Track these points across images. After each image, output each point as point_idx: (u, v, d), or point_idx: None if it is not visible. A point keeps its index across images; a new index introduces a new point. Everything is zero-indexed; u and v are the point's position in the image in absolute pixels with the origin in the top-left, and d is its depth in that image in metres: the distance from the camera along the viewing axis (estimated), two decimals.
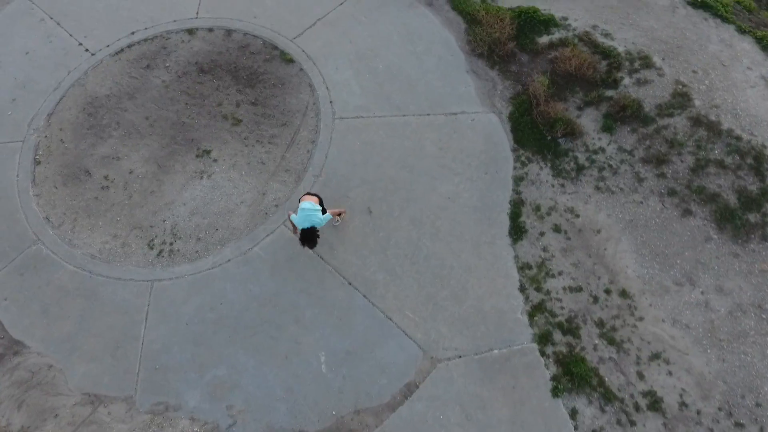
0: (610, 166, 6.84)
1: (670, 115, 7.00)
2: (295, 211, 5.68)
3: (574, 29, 7.96)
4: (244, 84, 7.73)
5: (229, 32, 8.21)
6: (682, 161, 6.71)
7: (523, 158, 7.02)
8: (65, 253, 6.48)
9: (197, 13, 8.40)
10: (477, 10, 8.16)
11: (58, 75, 7.84)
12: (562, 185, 6.80)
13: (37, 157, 7.19)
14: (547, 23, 8.02)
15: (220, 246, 6.49)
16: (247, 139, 7.26)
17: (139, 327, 6.03)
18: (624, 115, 7.07)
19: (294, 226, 5.96)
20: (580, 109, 7.29)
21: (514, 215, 6.60)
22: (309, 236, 5.50)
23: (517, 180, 6.85)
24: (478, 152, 7.07)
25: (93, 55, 8.00)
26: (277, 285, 6.22)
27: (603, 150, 6.95)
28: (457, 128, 7.26)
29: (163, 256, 6.45)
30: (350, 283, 6.19)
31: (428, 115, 7.37)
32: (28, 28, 8.36)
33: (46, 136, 7.36)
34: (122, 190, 6.91)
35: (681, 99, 7.07)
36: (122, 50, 8.05)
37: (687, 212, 6.42)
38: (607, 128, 7.07)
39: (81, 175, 7.06)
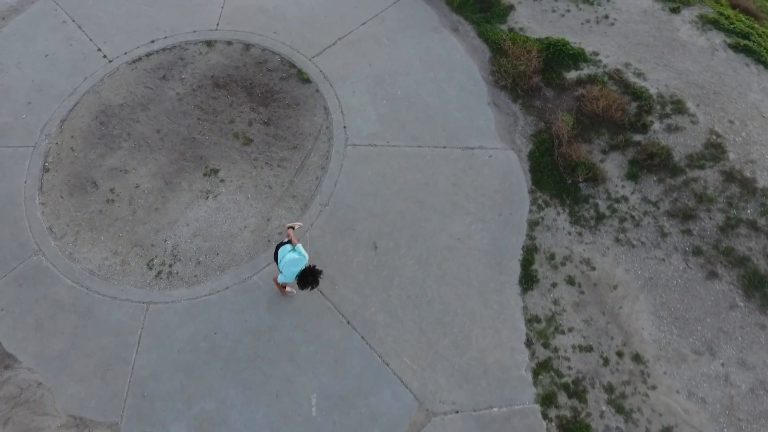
0: (633, 217, 6.46)
1: (701, 167, 6.59)
2: (281, 271, 5.45)
3: (605, 66, 7.58)
4: (258, 102, 7.56)
5: (247, 46, 8.06)
6: (710, 218, 6.30)
7: (540, 201, 6.69)
8: (64, 267, 6.40)
9: (217, 24, 8.27)
10: (503, 39, 7.84)
11: (75, 80, 7.79)
12: (580, 234, 6.45)
13: (47, 164, 7.14)
14: (577, 58, 7.66)
15: (220, 272, 6.33)
16: (256, 160, 7.09)
17: (130, 350, 5.90)
18: (651, 163, 6.68)
19: (282, 287, 5.83)
20: (604, 152, 6.93)
21: (526, 262, 6.28)
22: (309, 277, 5.24)
23: (532, 224, 6.53)
24: (492, 191, 6.76)
25: (110, 62, 7.93)
26: (273, 318, 6.03)
27: (626, 199, 6.57)
28: (473, 164, 6.96)
29: (161, 278, 6.31)
30: (349, 323, 5.96)
31: (444, 147, 7.09)
32: (49, 30, 8.34)
33: (57, 143, 7.31)
34: (127, 205, 6.81)
35: (714, 150, 6.66)
36: (140, 59, 7.96)
37: (712, 275, 6.01)
38: (632, 176, 6.69)
39: (88, 186, 6.98)
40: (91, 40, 8.16)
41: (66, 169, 7.11)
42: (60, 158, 7.20)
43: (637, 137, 6.92)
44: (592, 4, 8.26)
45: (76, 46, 8.12)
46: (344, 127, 7.27)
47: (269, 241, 6.51)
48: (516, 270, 6.25)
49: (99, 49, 8.05)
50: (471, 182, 6.83)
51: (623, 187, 6.67)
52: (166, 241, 6.55)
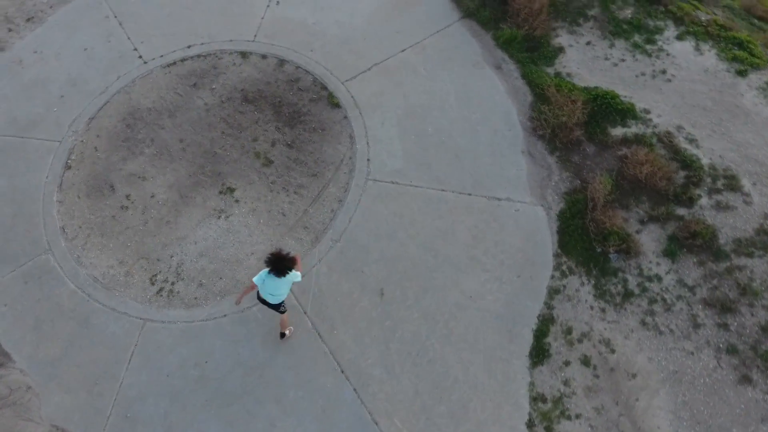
0: (664, 300, 5.93)
1: (750, 255, 5.98)
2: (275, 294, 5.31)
3: (655, 126, 7.02)
4: (284, 122, 7.37)
5: (281, 62, 7.87)
6: (752, 315, 5.70)
7: (564, 267, 6.23)
8: (70, 270, 6.37)
9: (255, 36, 8.12)
10: (548, 84, 7.37)
11: (108, 78, 7.79)
12: (603, 310, 5.97)
13: (69, 161, 7.15)
14: (625, 114, 7.12)
15: (220, 297, 6.16)
16: (273, 183, 6.89)
17: (121, 367, 5.80)
18: (693, 242, 6.11)
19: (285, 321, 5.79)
20: (642, 223, 6.39)
21: (540, 334, 5.85)
22: (276, 263, 4.97)
23: (552, 292, 6.08)
24: (514, 249, 6.35)
25: (145, 63, 7.90)
26: (267, 355, 5.82)
27: (659, 279, 6.04)
28: (497, 217, 6.56)
29: (161, 295, 6.20)
30: (343, 372, 5.69)
31: (469, 195, 6.71)
32: (92, 24, 8.39)
33: (82, 141, 7.32)
34: (140, 214, 6.74)
35: (767, 238, 6.03)
36: (174, 63, 7.89)
37: (745, 379, 5.43)
38: (669, 253, 6.15)
39: (105, 189, 6.95)
40: (129, 38, 8.16)
41: (87, 169, 7.11)
42: (83, 157, 7.20)
43: (681, 211, 6.36)
44: (650, 55, 7.68)
45: (114, 43, 8.13)
46: (368, 159, 6.99)
47: None
48: (528, 340, 5.83)
49: (135, 49, 8.04)
50: (492, 236, 6.43)
51: (658, 264, 6.13)
52: (172, 257, 6.44)
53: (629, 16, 8.11)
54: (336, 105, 7.47)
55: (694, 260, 6.10)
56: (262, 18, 8.33)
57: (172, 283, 6.27)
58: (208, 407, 5.60)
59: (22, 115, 7.52)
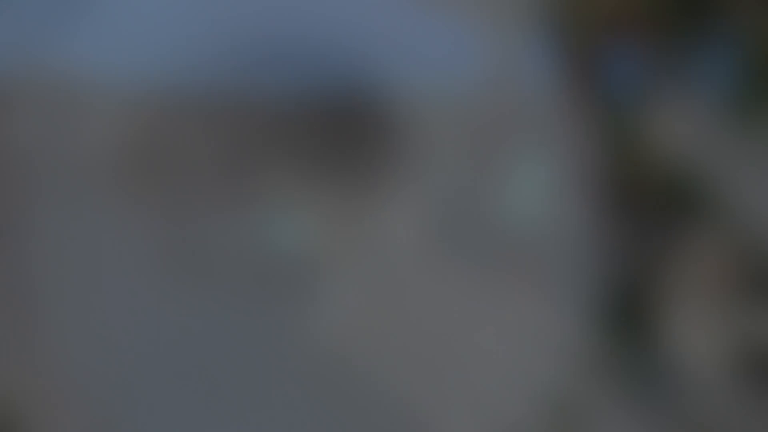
0: (705, 421, 5.09)
1: None
2: None
3: (741, 226, 6.13)
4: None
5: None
6: None
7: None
8: None
9: None
10: (626, 141, 6.63)
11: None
12: (630, 415, 5.20)
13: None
14: (708, 203, 6.26)
15: None
16: None
17: None
18: (755, 364, 5.23)
19: None
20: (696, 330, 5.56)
21: (544, 416, 5.15)
22: None
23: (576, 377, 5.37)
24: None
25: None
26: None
27: (705, 395, 5.20)
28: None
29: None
30: None
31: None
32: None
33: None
34: None
35: None
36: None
37: None
38: (723, 368, 5.29)
39: None
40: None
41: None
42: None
43: (747, 326, 5.47)
44: (759, 141, 6.77)
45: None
46: None
47: None
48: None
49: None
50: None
51: (706, 379, 5.29)
52: None
53: (743, 92, 7.22)
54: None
55: (752, 384, 5.21)
56: None
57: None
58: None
59: None
